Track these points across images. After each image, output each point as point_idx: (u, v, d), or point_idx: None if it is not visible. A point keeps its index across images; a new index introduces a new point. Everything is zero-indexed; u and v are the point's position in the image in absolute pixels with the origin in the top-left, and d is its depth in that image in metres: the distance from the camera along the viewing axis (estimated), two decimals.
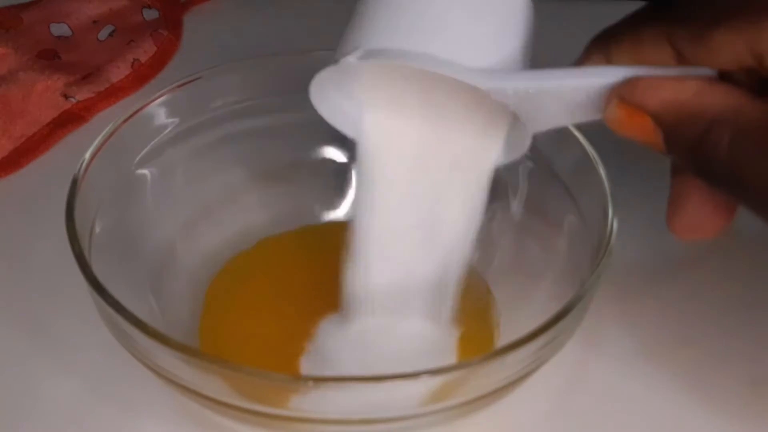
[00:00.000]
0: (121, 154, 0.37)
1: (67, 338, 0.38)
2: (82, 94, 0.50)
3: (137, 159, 0.38)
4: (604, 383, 0.37)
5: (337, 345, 0.36)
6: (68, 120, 0.50)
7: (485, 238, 0.40)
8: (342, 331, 0.36)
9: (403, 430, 0.31)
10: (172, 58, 0.54)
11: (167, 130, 0.39)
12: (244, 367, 0.29)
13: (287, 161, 0.42)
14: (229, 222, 0.41)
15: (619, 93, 0.29)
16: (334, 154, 0.42)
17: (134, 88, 0.52)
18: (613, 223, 0.33)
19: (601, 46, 0.30)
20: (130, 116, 0.37)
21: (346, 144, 0.42)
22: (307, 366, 0.36)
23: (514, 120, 0.31)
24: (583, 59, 0.30)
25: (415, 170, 0.34)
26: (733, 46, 0.27)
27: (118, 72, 0.52)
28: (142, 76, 0.52)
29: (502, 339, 0.37)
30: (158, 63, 0.53)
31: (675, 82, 0.28)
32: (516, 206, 0.40)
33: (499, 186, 0.40)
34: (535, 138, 0.39)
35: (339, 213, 0.42)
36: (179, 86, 0.39)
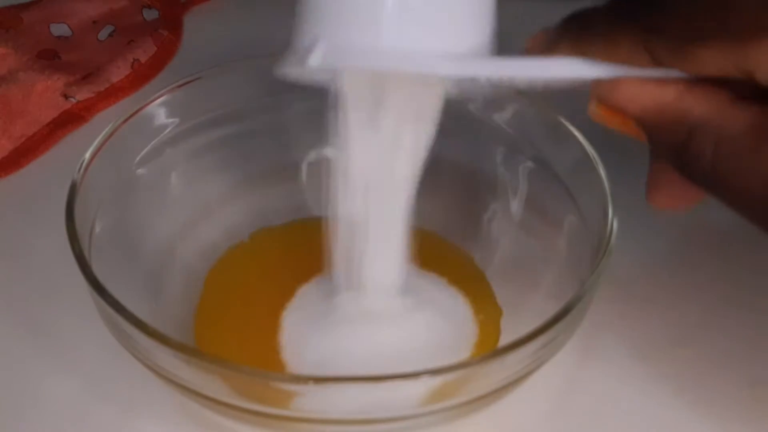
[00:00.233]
0: (121, 154, 0.37)
1: (67, 338, 0.38)
2: (82, 94, 0.50)
3: (137, 159, 0.38)
4: (604, 383, 0.37)
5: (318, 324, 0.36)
6: (68, 120, 0.50)
7: (485, 238, 0.40)
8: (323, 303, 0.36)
9: (403, 430, 0.31)
10: (172, 58, 0.54)
11: (167, 130, 0.39)
12: (244, 367, 0.29)
13: (287, 161, 0.42)
14: (229, 222, 0.41)
15: (599, 95, 0.28)
16: (333, 154, 0.42)
17: (134, 88, 0.52)
18: (613, 223, 0.33)
19: (573, 37, 0.28)
20: (130, 116, 0.37)
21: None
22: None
23: None
24: (551, 46, 0.29)
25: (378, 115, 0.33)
26: (718, 63, 0.26)
27: (118, 72, 0.52)
28: (142, 76, 0.52)
29: (502, 339, 0.37)
30: (158, 63, 0.53)
31: (654, 87, 0.27)
32: (516, 206, 0.40)
33: (499, 186, 0.40)
34: (535, 138, 0.39)
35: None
36: (179, 86, 0.39)
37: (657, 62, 0.27)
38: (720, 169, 0.26)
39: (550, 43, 0.29)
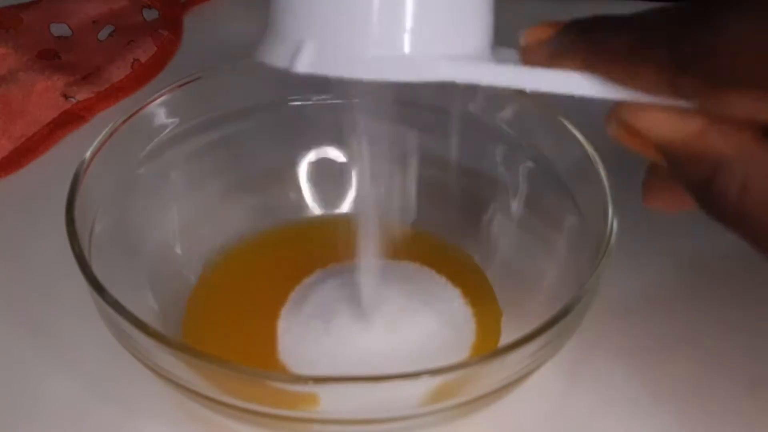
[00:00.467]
0: (121, 154, 0.37)
1: (67, 338, 0.38)
2: (82, 94, 0.50)
3: (137, 159, 0.38)
4: (604, 383, 0.37)
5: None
6: (68, 120, 0.50)
7: (485, 238, 0.40)
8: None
9: (403, 430, 0.31)
10: (172, 58, 0.54)
11: (167, 130, 0.39)
12: (245, 368, 0.29)
13: (287, 161, 0.42)
14: (228, 222, 0.41)
15: (619, 117, 0.27)
16: (334, 154, 0.42)
17: (134, 88, 0.52)
18: (613, 223, 0.33)
19: (587, 51, 0.26)
20: (130, 116, 0.37)
21: (346, 144, 0.42)
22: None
23: None
24: (559, 55, 0.27)
25: None
26: (751, 109, 0.24)
27: (118, 72, 0.52)
28: (142, 76, 0.52)
29: (503, 339, 0.37)
30: (158, 63, 0.53)
31: (678, 117, 0.26)
32: (516, 206, 0.40)
33: (499, 186, 0.40)
34: (535, 138, 0.39)
35: (339, 211, 0.42)
36: (179, 86, 0.39)
37: (680, 96, 0.25)
38: (747, 209, 0.25)
39: (557, 53, 0.27)
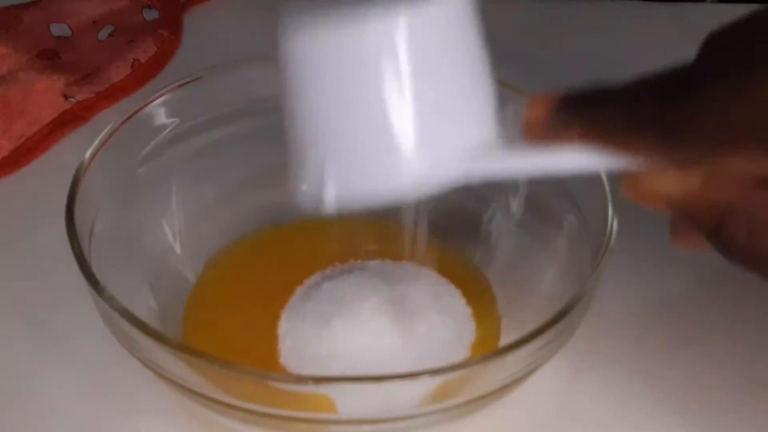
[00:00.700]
0: (121, 154, 0.37)
1: (67, 338, 0.38)
2: (82, 94, 0.50)
3: (137, 159, 0.38)
4: (604, 383, 0.37)
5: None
6: (68, 120, 0.50)
7: (485, 238, 0.40)
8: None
9: (403, 430, 0.31)
10: (172, 58, 0.54)
11: (167, 130, 0.39)
12: (245, 368, 0.29)
13: (287, 161, 0.42)
14: (228, 222, 0.41)
15: (627, 182, 0.28)
16: None
17: (134, 88, 0.52)
18: (613, 223, 0.33)
19: (584, 125, 0.27)
20: (130, 116, 0.37)
21: None
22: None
23: None
24: (560, 132, 0.27)
25: None
26: (746, 167, 0.25)
27: (118, 72, 0.52)
28: (142, 76, 0.52)
29: (502, 339, 0.37)
30: (158, 63, 0.53)
31: (678, 177, 0.27)
32: (516, 206, 0.40)
33: (499, 186, 0.40)
34: None
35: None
36: (179, 86, 0.39)
37: (677, 162, 0.26)
38: (755, 250, 0.27)
39: (558, 128, 0.27)
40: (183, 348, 0.29)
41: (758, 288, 0.40)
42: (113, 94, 0.51)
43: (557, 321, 0.30)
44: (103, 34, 0.55)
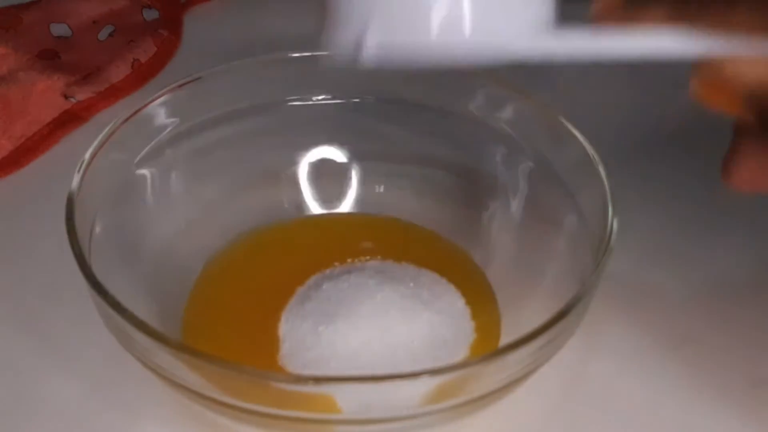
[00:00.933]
0: (121, 154, 0.37)
1: (67, 338, 0.38)
2: (82, 94, 0.50)
3: (137, 159, 0.38)
4: (604, 383, 0.37)
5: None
6: (68, 120, 0.50)
7: (485, 238, 0.40)
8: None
9: (403, 430, 0.31)
10: (172, 58, 0.54)
11: (167, 130, 0.39)
12: (245, 368, 0.29)
13: (287, 161, 0.42)
14: (228, 222, 0.41)
15: (703, 74, 0.24)
16: (334, 154, 0.42)
17: (134, 88, 0.52)
18: (613, 223, 0.33)
19: (667, 1, 0.24)
20: (130, 116, 0.37)
21: (346, 144, 0.42)
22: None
23: None
24: (636, 11, 0.24)
25: None
26: None
27: (118, 72, 0.52)
28: (142, 76, 0.52)
29: (502, 339, 0.37)
30: (158, 63, 0.53)
31: None
32: (516, 206, 0.40)
33: (499, 186, 0.40)
34: (535, 138, 0.39)
35: (339, 211, 0.42)
36: (179, 86, 0.39)
37: None
38: None
39: (636, 9, 0.24)
40: (183, 348, 0.29)
41: (758, 288, 0.40)
42: (113, 94, 0.51)
43: (557, 321, 0.30)
44: (103, 34, 0.55)
